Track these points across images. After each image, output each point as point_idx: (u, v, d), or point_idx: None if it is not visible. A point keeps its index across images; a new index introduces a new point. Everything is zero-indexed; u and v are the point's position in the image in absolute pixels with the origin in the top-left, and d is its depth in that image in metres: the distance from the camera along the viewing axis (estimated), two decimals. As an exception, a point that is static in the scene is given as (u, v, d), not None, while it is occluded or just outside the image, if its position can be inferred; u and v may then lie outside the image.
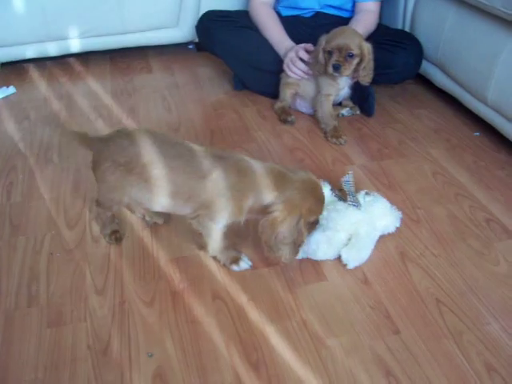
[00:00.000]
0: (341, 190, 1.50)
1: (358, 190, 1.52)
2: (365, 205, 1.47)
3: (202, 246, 1.42)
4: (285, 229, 1.21)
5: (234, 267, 1.40)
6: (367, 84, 2.00)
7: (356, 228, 1.43)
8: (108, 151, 1.31)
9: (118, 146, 1.30)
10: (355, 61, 1.92)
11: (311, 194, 1.25)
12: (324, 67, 1.94)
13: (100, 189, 1.39)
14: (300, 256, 1.38)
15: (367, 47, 1.91)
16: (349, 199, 1.45)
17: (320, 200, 1.28)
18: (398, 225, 1.54)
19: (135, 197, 1.34)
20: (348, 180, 1.48)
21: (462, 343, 1.20)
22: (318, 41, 1.97)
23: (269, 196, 1.24)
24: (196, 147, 1.31)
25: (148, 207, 1.39)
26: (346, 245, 1.42)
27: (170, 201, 1.31)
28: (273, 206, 1.23)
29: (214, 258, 1.42)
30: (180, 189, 1.28)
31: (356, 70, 1.95)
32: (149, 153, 1.28)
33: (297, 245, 1.25)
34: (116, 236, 1.48)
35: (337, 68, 1.89)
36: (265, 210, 1.24)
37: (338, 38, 1.89)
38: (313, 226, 1.31)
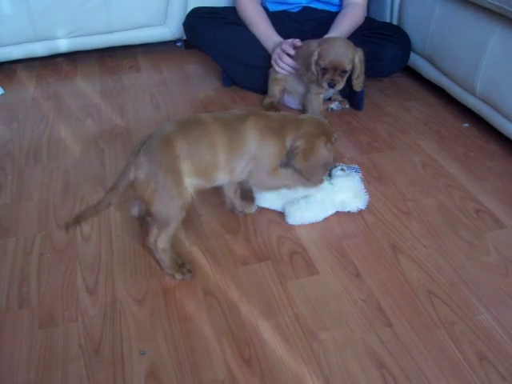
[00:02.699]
0: None
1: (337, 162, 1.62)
2: (333, 178, 1.55)
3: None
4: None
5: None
6: (359, 89, 2.01)
7: (313, 193, 1.51)
8: (154, 159, 1.25)
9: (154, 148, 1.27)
10: (348, 73, 1.94)
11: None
12: (317, 78, 1.95)
13: (163, 201, 1.27)
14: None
15: (359, 57, 1.92)
16: None
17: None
18: (362, 207, 1.57)
19: (203, 175, 1.33)
20: None
21: (454, 333, 1.20)
22: (309, 48, 1.95)
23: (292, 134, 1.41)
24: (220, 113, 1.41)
25: (214, 182, 1.37)
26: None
27: (233, 163, 1.36)
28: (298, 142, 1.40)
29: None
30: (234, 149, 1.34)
31: (348, 79, 1.97)
32: (202, 124, 1.33)
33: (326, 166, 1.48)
34: (187, 268, 1.36)
35: (332, 86, 1.93)
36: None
37: (332, 54, 1.89)
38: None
